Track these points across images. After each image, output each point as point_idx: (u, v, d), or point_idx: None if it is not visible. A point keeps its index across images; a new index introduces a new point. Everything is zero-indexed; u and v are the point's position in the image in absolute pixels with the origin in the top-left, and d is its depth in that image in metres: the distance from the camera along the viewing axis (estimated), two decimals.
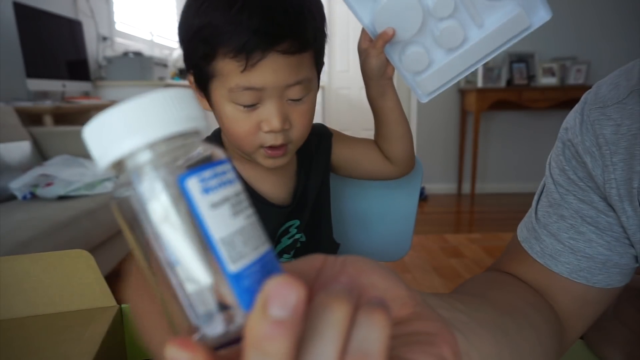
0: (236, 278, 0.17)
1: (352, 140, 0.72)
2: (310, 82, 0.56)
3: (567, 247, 0.42)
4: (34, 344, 0.39)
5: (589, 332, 0.53)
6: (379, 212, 0.86)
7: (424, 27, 0.58)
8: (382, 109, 0.65)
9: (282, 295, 0.15)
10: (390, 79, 0.62)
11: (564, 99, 3.06)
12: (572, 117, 0.45)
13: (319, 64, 0.60)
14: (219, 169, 0.17)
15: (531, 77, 3.23)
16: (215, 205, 0.17)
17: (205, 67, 0.53)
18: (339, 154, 0.70)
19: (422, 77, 0.62)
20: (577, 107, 0.44)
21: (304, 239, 0.67)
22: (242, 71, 0.50)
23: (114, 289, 0.46)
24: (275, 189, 0.64)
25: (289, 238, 0.65)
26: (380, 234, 0.87)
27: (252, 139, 0.55)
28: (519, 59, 3.24)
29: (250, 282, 0.17)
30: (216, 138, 0.64)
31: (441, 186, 3.53)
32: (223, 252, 0.17)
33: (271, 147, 0.55)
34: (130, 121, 0.17)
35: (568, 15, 3.21)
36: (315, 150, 0.69)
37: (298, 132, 0.57)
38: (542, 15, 0.56)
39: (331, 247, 0.75)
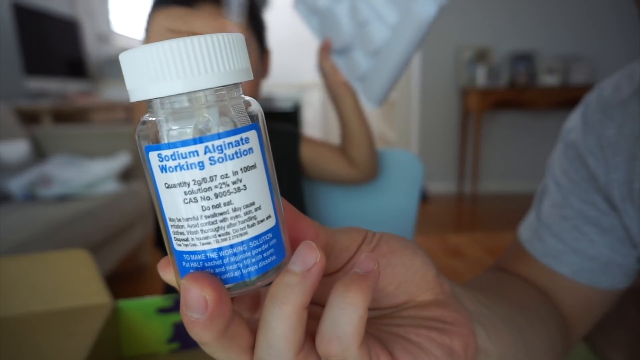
0: (178, 255, 0.17)
1: (320, 142, 0.79)
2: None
3: (570, 248, 0.42)
4: (32, 340, 0.40)
5: (592, 334, 0.53)
6: (380, 212, 0.86)
7: (352, 35, 0.60)
8: (339, 110, 0.71)
9: (304, 256, 0.17)
10: (343, 85, 0.68)
11: (566, 98, 3.05)
12: (574, 118, 0.45)
13: (255, 30, 0.68)
14: (184, 150, 0.16)
15: (533, 77, 3.23)
16: (168, 186, 0.16)
17: None
18: (307, 153, 0.76)
19: (365, 84, 0.63)
20: (579, 108, 0.44)
21: None
22: None
23: (114, 289, 0.46)
24: None
25: None
26: None
27: None
28: (520, 58, 3.23)
29: (188, 266, 0.17)
30: None
31: (442, 186, 3.52)
32: (171, 230, 0.17)
33: None
34: (180, 62, 0.15)
35: (570, 13, 3.21)
36: (283, 145, 0.75)
37: None
38: None
39: None
